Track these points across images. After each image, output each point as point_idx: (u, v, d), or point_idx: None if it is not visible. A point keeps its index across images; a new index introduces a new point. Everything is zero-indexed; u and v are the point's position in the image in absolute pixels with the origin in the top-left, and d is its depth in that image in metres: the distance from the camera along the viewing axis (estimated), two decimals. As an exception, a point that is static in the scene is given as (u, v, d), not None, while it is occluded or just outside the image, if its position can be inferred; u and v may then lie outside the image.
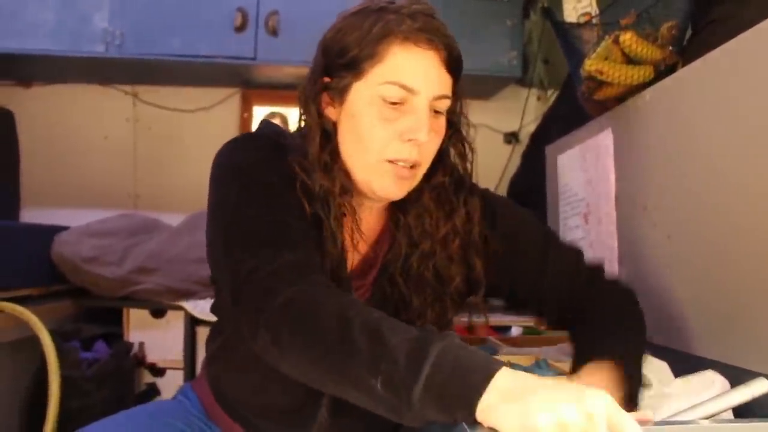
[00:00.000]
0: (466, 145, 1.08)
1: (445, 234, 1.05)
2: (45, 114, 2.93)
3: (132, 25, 2.50)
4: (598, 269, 1.15)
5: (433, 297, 1.05)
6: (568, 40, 1.72)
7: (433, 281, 1.04)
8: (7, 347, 1.82)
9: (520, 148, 2.91)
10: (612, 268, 1.50)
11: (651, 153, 1.35)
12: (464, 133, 1.08)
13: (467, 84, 3.12)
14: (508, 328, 1.67)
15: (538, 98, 3.01)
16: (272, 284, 0.85)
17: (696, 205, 1.18)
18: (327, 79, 1.00)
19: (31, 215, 2.85)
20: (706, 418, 0.74)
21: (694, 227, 1.18)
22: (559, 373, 1.09)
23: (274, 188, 0.97)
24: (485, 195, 1.13)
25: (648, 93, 1.36)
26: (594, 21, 1.69)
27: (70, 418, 1.86)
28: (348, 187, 1.01)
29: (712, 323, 1.13)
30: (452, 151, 1.07)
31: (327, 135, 1.00)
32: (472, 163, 1.08)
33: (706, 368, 1.06)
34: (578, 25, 1.75)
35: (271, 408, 1.09)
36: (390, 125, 0.96)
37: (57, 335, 1.88)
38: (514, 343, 1.48)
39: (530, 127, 2.91)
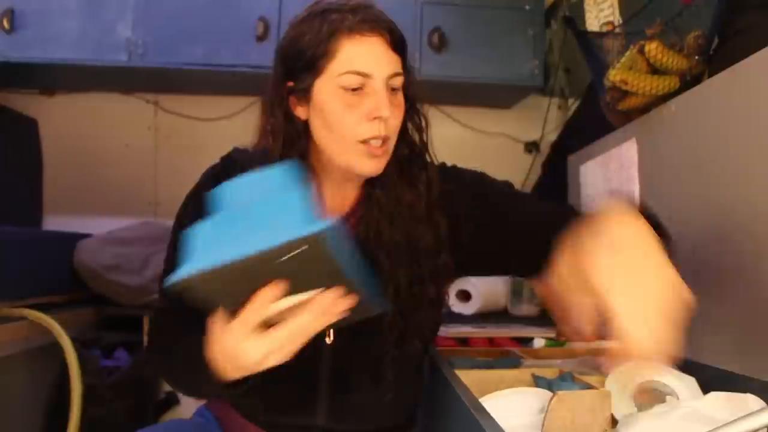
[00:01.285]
0: (422, 118, 1.16)
1: (411, 199, 1.13)
2: (67, 122, 2.96)
3: (154, 34, 2.52)
4: (573, 210, 1.17)
5: (404, 260, 1.12)
6: (590, 49, 1.71)
7: (403, 243, 1.12)
8: (29, 354, 1.83)
9: (541, 158, 2.90)
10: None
11: (676, 164, 1.33)
12: (418, 106, 1.16)
13: (488, 93, 3.10)
14: (530, 340, 1.66)
15: (559, 107, 2.99)
16: (157, 324, 1.17)
17: (722, 218, 1.16)
18: (291, 84, 1.09)
19: (53, 222, 2.87)
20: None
21: (720, 240, 1.16)
22: (585, 386, 1.08)
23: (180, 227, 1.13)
24: (443, 165, 1.21)
25: (673, 103, 1.35)
26: (617, 30, 1.68)
27: (90, 426, 1.86)
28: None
29: (740, 337, 1.11)
30: (410, 125, 1.16)
31: (297, 134, 1.10)
32: (427, 134, 1.17)
33: (736, 383, 1.04)
34: (600, 34, 1.73)
35: (279, 402, 1.14)
36: (355, 110, 1.06)
37: (78, 343, 1.89)
38: (537, 354, 1.46)
39: (551, 137, 2.89)
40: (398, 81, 1.08)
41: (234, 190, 0.82)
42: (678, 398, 1.06)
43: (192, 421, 1.24)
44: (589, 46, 1.72)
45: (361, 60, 1.05)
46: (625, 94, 1.44)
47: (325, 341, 1.11)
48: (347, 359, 1.12)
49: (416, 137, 1.16)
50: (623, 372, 1.11)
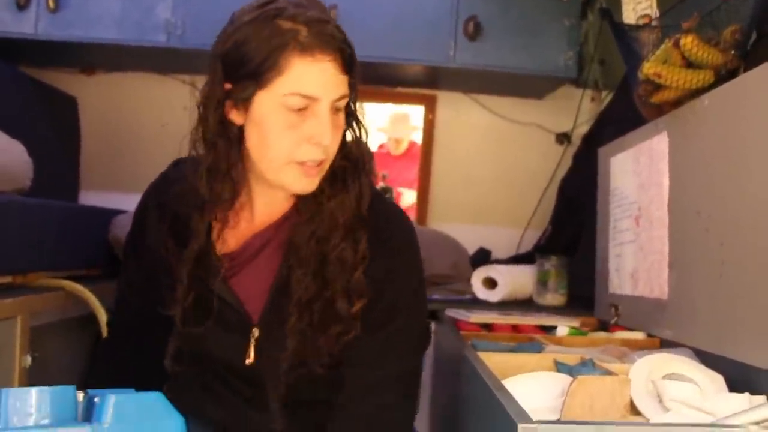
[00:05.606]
0: (362, 129, 1.14)
1: (335, 207, 1.09)
2: (106, 101, 3.01)
3: (193, 15, 2.54)
4: None
5: (317, 271, 1.09)
6: (626, 42, 1.71)
7: (320, 254, 1.09)
8: (65, 324, 1.89)
9: (572, 149, 2.89)
10: (662, 272, 1.49)
11: (707, 159, 1.33)
12: (359, 115, 1.13)
13: (521, 82, 3.09)
14: (554, 328, 1.67)
15: (592, 99, 2.97)
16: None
17: (751, 213, 1.16)
18: (228, 86, 1.05)
19: (88, 198, 2.94)
20: (756, 423, 0.74)
21: (749, 234, 1.17)
22: (605, 372, 1.09)
23: (128, 249, 1.29)
24: (384, 201, 1.19)
25: (707, 98, 1.35)
26: (654, 23, 1.68)
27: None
28: (227, 196, 1.09)
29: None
30: (349, 137, 1.13)
31: (230, 143, 1.07)
32: (365, 144, 1.15)
33: (757, 379, 1.05)
34: (637, 26, 1.73)
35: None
36: (295, 131, 1.03)
37: (112, 314, 1.94)
38: (560, 342, 1.48)
39: (583, 128, 2.88)
40: (343, 102, 1.06)
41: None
42: (701, 391, 1.08)
43: None
44: (625, 38, 1.71)
45: (311, 83, 1.01)
46: (658, 87, 1.44)
47: (245, 362, 1.13)
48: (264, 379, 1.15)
49: (354, 148, 1.13)
50: (649, 361, 1.13)
